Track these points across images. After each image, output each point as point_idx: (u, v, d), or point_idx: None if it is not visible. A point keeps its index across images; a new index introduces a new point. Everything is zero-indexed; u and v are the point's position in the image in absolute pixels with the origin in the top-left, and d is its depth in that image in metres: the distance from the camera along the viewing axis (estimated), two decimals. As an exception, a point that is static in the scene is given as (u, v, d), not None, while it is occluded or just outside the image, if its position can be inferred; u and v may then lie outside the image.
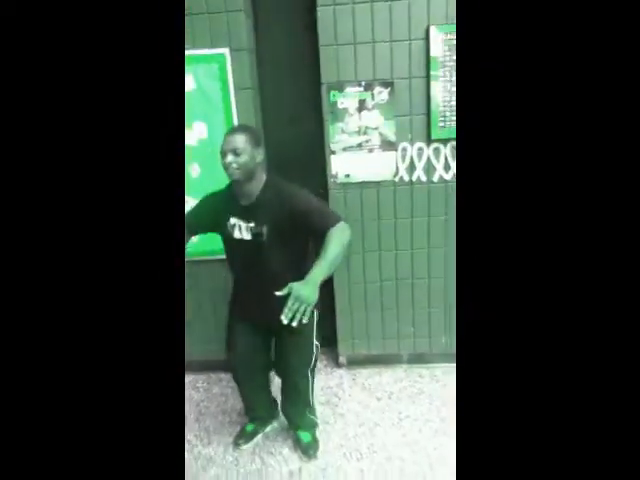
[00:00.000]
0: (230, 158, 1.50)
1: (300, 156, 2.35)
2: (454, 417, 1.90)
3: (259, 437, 2.02)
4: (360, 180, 2.22)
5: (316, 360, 1.82)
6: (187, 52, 2.07)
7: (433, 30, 2.01)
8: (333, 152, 2.19)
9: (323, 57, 2.09)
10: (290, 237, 1.58)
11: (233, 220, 1.62)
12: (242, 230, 1.61)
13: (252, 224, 1.58)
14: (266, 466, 1.87)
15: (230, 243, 1.68)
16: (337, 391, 2.34)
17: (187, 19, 2.01)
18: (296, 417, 1.94)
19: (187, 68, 2.09)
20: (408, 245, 2.31)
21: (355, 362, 2.52)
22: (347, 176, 2.22)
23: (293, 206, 1.52)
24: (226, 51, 2.07)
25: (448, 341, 2.43)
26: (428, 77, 2.08)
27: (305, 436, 1.94)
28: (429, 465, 1.80)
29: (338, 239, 1.43)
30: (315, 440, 1.95)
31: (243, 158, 1.50)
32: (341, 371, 2.50)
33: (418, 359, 2.48)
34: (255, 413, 2.01)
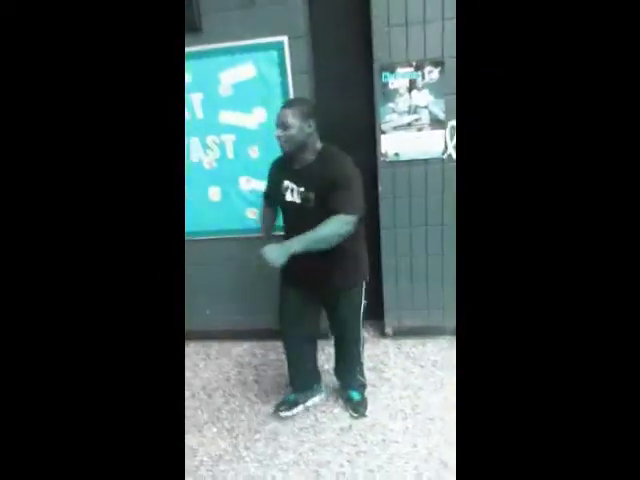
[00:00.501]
0: (279, 132, 1.64)
1: (351, 135, 2.47)
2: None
3: (300, 408, 2.11)
4: (409, 158, 2.32)
5: (363, 320, 1.95)
6: (247, 41, 2.23)
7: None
8: (383, 132, 2.29)
9: (376, 39, 2.18)
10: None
11: (286, 182, 1.73)
12: (294, 193, 1.71)
13: (302, 188, 1.68)
14: (319, 422, 2.06)
15: (284, 206, 1.80)
16: (383, 359, 2.49)
17: (249, 10, 2.16)
18: (348, 377, 2.10)
19: (247, 56, 2.25)
20: (454, 220, 2.39)
21: (400, 333, 2.65)
22: (396, 155, 2.32)
23: (334, 177, 1.60)
24: (284, 38, 2.21)
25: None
26: (478, 56, 2.11)
27: (355, 395, 2.11)
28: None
29: (334, 226, 1.53)
30: (364, 399, 2.12)
31: (291, 131, 1.61)
32: (387, 341, 2.65)
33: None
34: (298, 382, 2.11)
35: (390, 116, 2.27)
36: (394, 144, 2.30)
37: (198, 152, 2.47)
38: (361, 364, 2.10)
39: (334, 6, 2.34)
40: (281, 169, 1.79)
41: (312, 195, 1.65)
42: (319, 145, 1.71)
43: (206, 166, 2.49)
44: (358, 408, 2.08)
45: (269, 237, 1.99)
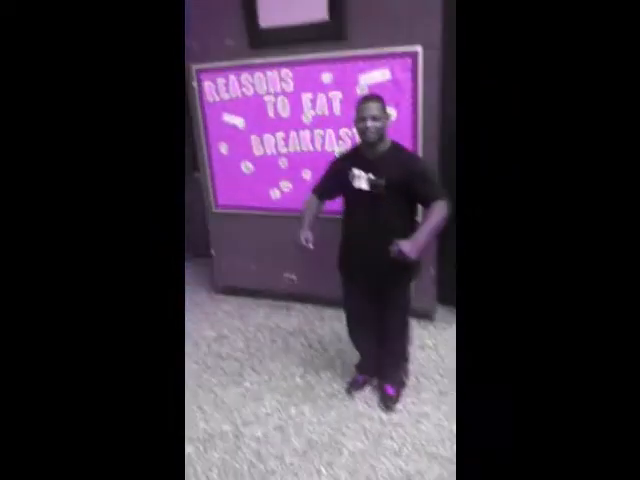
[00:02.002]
0: (370, 123, 1.76)
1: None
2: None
3: (368, 389, 2.27)
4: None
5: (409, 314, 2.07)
6: (385, 49, 2.56)
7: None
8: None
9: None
10: (402, 194, 1.82)
11: (356, 171, 1.86)
12: (362, 180, 1.84)
13: (371, 175, 1.82)
14: (373, 409, 2.18)
15: (349, 194, 1.92)
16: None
17: (387, 21, 2.50)
18: (389, 369, 2.18)
19: (385, 63, 2.59)
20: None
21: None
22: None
23: (412, 168, 1.80)
24: (418, 48, 2.51)
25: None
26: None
27: (390, 389, 2.16)
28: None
29: (442, 211, 1.74)
30: (398, 396, 2.17)
31: (379, 123, 1.77)
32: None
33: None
34: (365, 366, 2.27)
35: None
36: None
37: (332, 143, 2.88)
38: (406, 360, 2.21)
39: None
40: (349, 160, 1.93)
41: (382, 182, 1.81)
42: (389, 140, 1.88)
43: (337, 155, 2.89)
44: (387, 402, 2.14)
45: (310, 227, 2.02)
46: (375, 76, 2.66)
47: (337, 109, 2.80)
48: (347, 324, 2.21)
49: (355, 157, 1.92)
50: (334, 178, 2.00)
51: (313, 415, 2.16)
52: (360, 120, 1.80)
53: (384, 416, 2.11)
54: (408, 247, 1.66)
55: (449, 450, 1.89)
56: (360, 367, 2.31)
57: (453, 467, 1.80)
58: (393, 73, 2.61)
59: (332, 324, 3.01)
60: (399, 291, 1.99)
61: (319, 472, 1.84)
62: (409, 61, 2.55)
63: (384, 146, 1.86)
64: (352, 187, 1.89)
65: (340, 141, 2.85)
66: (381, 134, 1.82)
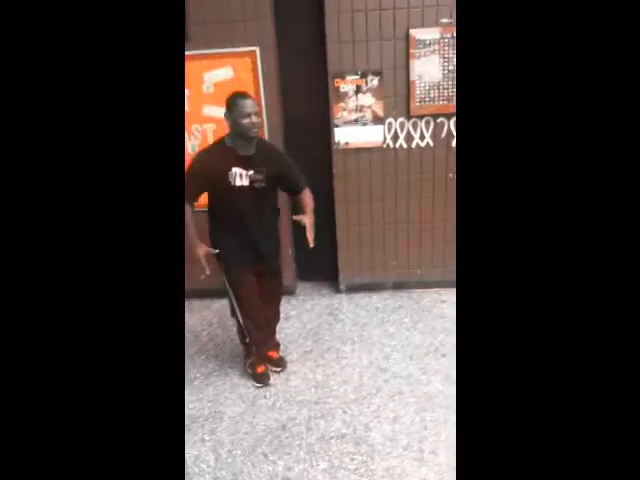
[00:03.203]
0: (254, 118, 1.88)
1: (311, 129, 3.06)
2: (422, 322, 2.56)
3: (240, 363, 2.48)
4: (356, 147, 2.94)
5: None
6: (225, 49, 2.76)
7: (411, 32, 2.70)
8: (336, 125, 2.90)
9: (330, 53, 2.78)
10: (276, 185, 2.07)
11: (235, 169, 1.93)
12: (243, 177, 1.95)
13: (251, 172, 1.96)
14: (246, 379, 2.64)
15: (227, 192, 1.96)
16: (338, 307, 3.11)
17: (229, 25, 2.70)
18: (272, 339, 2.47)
19: (227, 61, 2.79)
20: (393, 196, 3.04)
21: (351, 289, 3.29)
22: (346, 143, 2.93)
23: (283, 161, 2.09)
24: (256, 48, 2.77)
25: (422, 272, 3.19)
26: (407, 68, 2.77)
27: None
28: (410, 348, 2.58)
29: (311, 198, 2.11)
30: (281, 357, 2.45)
31: (259, 118, 1.95)
32: (341, 295, 3.27)
33: (399, 286, 3.24)
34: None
35: (341, 113, 2.88)
36: (345, 135, 2.92)
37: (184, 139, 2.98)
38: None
39: (296, 24, 2.92)
40: (223, 158, 1.94)
41: (261, 177, 1.98)
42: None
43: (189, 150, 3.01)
44: (280, 364, 2.40)
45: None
46: (219, 74, 2.85)
47: (186, 106, 2.91)
48: (238, 306, 2.19)
49: (228, 155, 1.94)
50: (203, 180, 1.96)
51: (192, 394, 2.28)
52: (245, 116, 1.86)
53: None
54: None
55: (314, 395, 2.20)
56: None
57: (318, 407, 2.11)
58: (235, 71, 2.82)
59: (202, 313, 3.13)
60: (279, 269, 2.33)
61: (203, 440, 1.98)
62: (249, 60, 2.80)
63: (254, 142, 1.98)
64: (231, 185, 1.95)
65: (192, 136, 2.97)
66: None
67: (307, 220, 2.02)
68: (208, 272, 1.98)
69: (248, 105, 1.89)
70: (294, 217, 2.05)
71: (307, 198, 2.11)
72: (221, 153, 1.97)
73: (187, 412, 2.15)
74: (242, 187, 1.97)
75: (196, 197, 2.03)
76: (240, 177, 1.95)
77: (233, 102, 1.92)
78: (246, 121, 1.88)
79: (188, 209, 1.96)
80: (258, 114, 1.94)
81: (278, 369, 2.39)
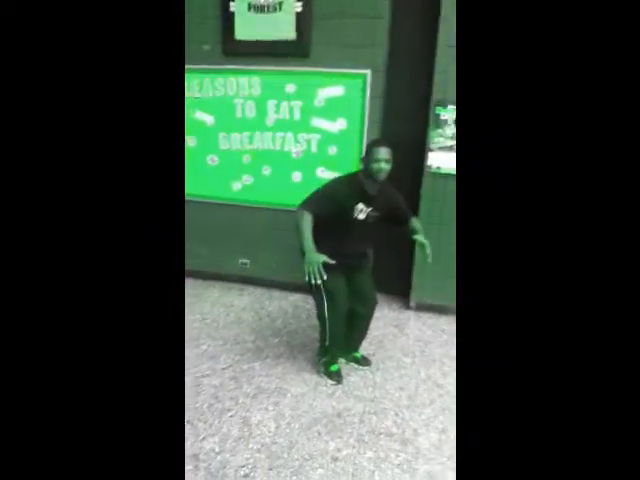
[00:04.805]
0: (384, 165, 2.10)
1: (406, 148, 3.26)
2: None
3: (310, 352, 2.63)
4: (447, 172, 3.07)
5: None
6: (341, 70, 3.05)
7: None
8: (431, 150, 3.06)
9: (436, 82, 2.96)
10: (383, 219, 2.35)
11: (360, 205, 2.22)
12: (363, 212, 2.24)
13: (370, 209, 2.25)
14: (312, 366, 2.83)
15: (346, 220, 2.22)
16: (406, 321, 3.25)
17: (342, 45, 3.00)
18: (358, 343, 2.65)
19: (340, 81, 3.08)
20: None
21: (421, 308, 3.40)
22: (438, 168, 3.08)
23: (397, 200, 2.37)
24: (368, 71, 3.03)
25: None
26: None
27: (360, 354, 2.66)
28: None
29: (419, 223, 2.38)
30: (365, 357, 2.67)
31: (390, 165, 2.15)
32: (410, 311, 3.40)
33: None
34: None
35: (438, 139, 3.04)
36: (438, 160, 3.07)
37: (290, 144, 3.32)
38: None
39: (407, 52, 3.14)
40: (354, 194, 2.19)
41: (377, 214, 2.29)
42: None
43: (294, 155, 3.34)
44: (367, 362, 2.62)
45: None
46: (331, 91, 3.15)
47: (297, 115, 3.25)
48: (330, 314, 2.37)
49: (358, 192, 2.19)
50: (333, 205, 2.15)
51: (262, 369, 2.56)
52: (376, 161, 2.10)
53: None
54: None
55: (371, 393, 2.37)
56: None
57: (372, 404, 2.28)
58: (346, 90, 3.11)
59: (280, 302, 3.43)
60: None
61: (267, 409, 2.24)
62: (359, 81, 3.07)
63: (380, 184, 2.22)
64: (352, 217, 2.23)
65: (297, 143, 3.31)
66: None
67: (423, 239, 2.27)
68: (325, 277, 2.02)
69: (382, 152, 2.12)
70: (414, 237, 2.30)
71: (416, 223, 2.39)
72: (355, 188, 2.20)
73: (256, 384, 2.42)
74: (359, 220, 2.27)
75: (320, 214, 2.14)
76: (361, 212, 2.24)
77: (371, 148, 2.18)
78: (375, 165, 2.11)
79: (309, 218, 2.10)
80: (389, 161, 2.13)
81: (365, 367, 2.61)
